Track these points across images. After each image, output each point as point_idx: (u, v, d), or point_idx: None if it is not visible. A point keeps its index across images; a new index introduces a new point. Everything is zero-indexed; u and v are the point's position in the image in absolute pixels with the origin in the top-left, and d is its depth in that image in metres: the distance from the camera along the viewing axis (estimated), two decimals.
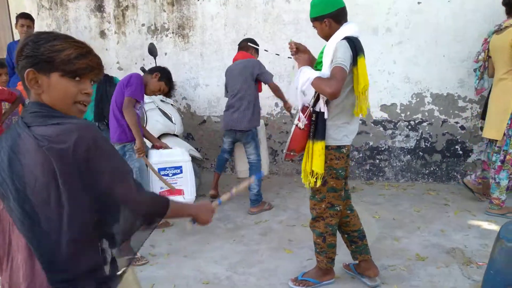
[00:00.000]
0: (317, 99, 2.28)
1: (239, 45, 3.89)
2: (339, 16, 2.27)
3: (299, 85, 2.28)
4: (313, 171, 2.31)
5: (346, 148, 2.36)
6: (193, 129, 5.00)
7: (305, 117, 2.29)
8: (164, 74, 3.21)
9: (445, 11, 4.00)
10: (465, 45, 4.01)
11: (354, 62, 2.20)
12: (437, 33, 4.06)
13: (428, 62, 4.13)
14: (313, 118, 2.30)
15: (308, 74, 2.24)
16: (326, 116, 2.26)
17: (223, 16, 4.63)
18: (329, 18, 2.24)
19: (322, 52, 2.31)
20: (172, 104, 4.31)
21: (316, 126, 2.29)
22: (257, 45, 3.84)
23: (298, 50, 2.39)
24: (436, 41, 4.07)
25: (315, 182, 2.32)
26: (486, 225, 3.32)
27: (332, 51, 2.19)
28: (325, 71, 2.20)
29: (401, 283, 2.62)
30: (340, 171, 2.37)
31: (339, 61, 2.13)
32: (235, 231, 3.42)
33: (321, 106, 2.25)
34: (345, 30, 2.25)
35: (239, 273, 2.80)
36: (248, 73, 3.57)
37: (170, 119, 4.14)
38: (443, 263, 2.79)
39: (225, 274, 2.78)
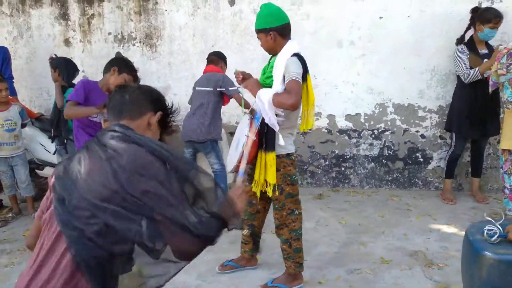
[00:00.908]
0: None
1: (207, 58, 3.91)
2: (285, 31, 2.35)
3: (266, 107, 2.27)
4: (266, 181, 2.40)
5: (294, 155, 2.53)
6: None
7: (255, 130, 2.37)
8: (121, 65, 2.92)
9: (404, 26, 4.20)
10: (423, 58, 4.22)
11: (304, 78, 2.30)
12: (397, 47, 4.25)
13: (390, 74, 4.31)
14: (264, 130, 2.39)
15: (267, 94, 2.29)
16: (277, 129, 2.34)
17: (191, 26, 4.65)
18: (275, 32, 2.31)
19: (271, 67, 2.38)
20: None
21: (267, 138, 2.39)
22: (224, 58, 3.89)
23: (244, 78, 2.45)
24: (397, 54, 4.26)
25: (273, 191, 2.41)
26: (445, 228, 3.47)
27: (283, 66, 2.26)
28: (277, 85, 2.28)
29: (367, 286, 2.70)
30: (294, 177, 2.50)
31: (293, 75, 2.22)
32: None
33: (272, 118, 2.31)
34: (293, 46, 2.34)
35: (209, 281, 2.80)
36: (211, 87, 3.61)
37: None
38: (406, 266, 2.90)
39: (195, 283, 2.77)
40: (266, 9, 2.35)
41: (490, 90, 3.43)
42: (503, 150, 3.42)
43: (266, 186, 2.41)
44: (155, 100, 1.48)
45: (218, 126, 3.75)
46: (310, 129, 2.57)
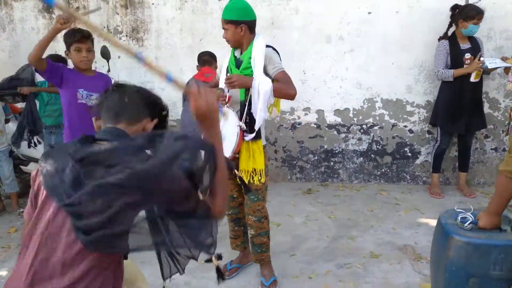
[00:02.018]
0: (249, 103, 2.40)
1: (201, 58, 3.84)
2: (254, 26, 2.43)
3: (262, 98, 2.29)
4: (255, 169, 2.45)
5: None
6: None
7: (244, 119, 2.42)
8: (68, 40, 2.89)
9: (393, 22, 4.21)
10: (412, 53, 4.24)
11: None
12: (386, 42, 4.26)
13: (378, 69, 4.32)
14: (247, 120, 2.43)
15: (267, 85, 2.30)
16: (267, 117, 2.44)
17: (178, 20, 4.59)
18: (245, 25, 2.37)
19: (248, 58, 2.38)
20: None
21: (251, 127, 2.42)
22: (215, 58, 3.84)
23: (231, 83, 2.33)
24: (385, 49, 4.27)
25: (259, 179, 2.46)
26: (433, 222, 3.46)
27: (262, 57, 2.34)
28: (259, 75, 2.33)
29: (357, 280, 2.71)
30: (268, 167, 2.58)
31: (280, 66, 2.37)
32: None
33: (263, 109, 2.35)
34: (262, 39, 2.43)
35: (198, 277, 2.77)
36: None
37: None
38: (395, 260, 2.92)
39: (184, 279, 2.74)
40: (239, 2, 2.40)
41: (509, 86, 3.54)
42: None
43: (254, 175, 2.45)
44: (153, 106, 1.44)
45: None
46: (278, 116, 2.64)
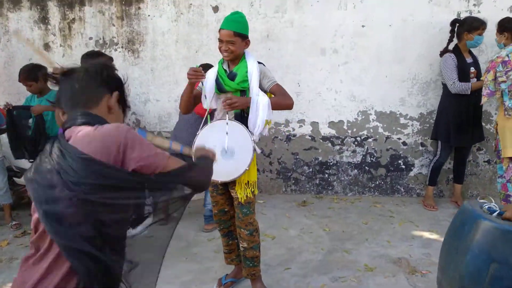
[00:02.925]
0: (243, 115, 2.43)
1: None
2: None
3: (260, 112, 2.36)
4: (248, 181, 2.45)
5: None
6: None
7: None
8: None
9: (386, 35, 4.26)
10: (405, 66, 4.29)
11: None
12: (379, 55, 4.31)
13: (372, 82, 4.36)
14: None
15: (264, 99, 2.37)
16: (266, 132, 2.50)
17: (174, 32, 4.61)
18: (249, 40, 2.43)
19: (244, 71, 2.40)
20: None
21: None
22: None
23: (232, 104, 2.33)
24: (379, 62, 4.32)
25: (252, 191, 2.47)
26: (428, 235, 3.51)
27: (257, 73, 2.39)
28: (256, 89, 2.38)
29: None
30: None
31: (274, 79, 2.46)
32: (188, 249, 3.36)
33: (262, 123, 2.40)
34: (252, 55, 2.49)
35: None
36: None
37: None
38: (390, 273, 2.92)
39: None
40: (242, 16, 2.42)
41: (484, 100, 3.51)
42: (503, 158, 3.44)
43: (248, 187, 2.45)
44: (107, 80, 1.36)
45: None
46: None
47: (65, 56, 4.87)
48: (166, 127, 4.80)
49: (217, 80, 2.48)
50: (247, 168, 2.36)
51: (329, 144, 4.53)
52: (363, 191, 4.56)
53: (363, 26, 4.28)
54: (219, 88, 2.46)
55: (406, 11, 4.19)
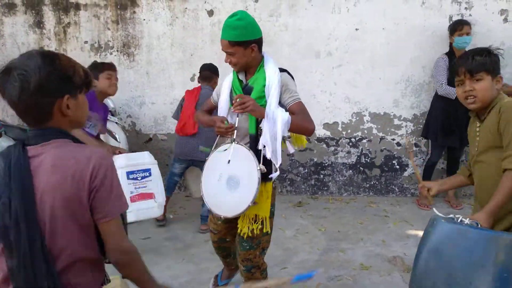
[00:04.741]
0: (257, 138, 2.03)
1: (201, 73, 3.81)
2: (262, 44, 2.06)
3: (279, 131, 1.92)
4: (257, 216, 2.06)
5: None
6: (139, 147, 4.89)
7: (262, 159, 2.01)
8: (94, 71, 2.97)
9: (380, 38, 4.32)
10: (398, 69, 4.35)
11: None
12: (373, 58, 4.37)
13: (366, 84, 4.42)
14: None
15: (283, 116, 1.93)
16: (292, 149, 2.14)
17: (169, 36, 4.65)
18: (256, 45, 1.99)
19: (262, 85, 2.00)
20: (116, 122, 4.22)
21: (265, 164, 2.01)
22: (216, 71, 3.82)
23: (244, 104, 1.89)
24: (373, 65, 4.38)
25: (261, 228, 2.08)
26: (422, 233, 3.54)
27: (277, 87, 1.97)
28: (275, 106, 1.96)
29: None
30: (273, 208, 2.16)
31: (297, 96, 2.03)
32: (185, 250, 3.37)
33: (278, 145, 1.99)
34: (273, 61, 2.08)
35: None
36: None
37: (114, 137, 4.04)
38: (385, 272, 2.95)
39: None
40: (245, 17, 1.97)
41: None
42: None
43: (254, 222, 2.07)
44: (53, 88, 1.15)
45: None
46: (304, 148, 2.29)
47: None
48: (161, 130, 4.82)
49: (230, 94, 2.11)
50: (250, 204, 1.93)
51: (324, 145, 4.57)
52: (358, 191, 4.61)
53: (356, 29, 4.34)
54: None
55: (399, 15, 4.25)
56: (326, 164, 4.61)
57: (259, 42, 2.01)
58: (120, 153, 3.22)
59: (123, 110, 4.82)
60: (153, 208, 3.16)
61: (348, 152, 4.56)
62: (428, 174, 4.16)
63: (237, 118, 2.06)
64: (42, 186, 1.12)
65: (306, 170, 4.64)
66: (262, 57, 2.08)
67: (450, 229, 1.65)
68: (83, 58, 4.82)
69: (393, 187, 4.56)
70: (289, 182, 4.68)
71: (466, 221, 1.64)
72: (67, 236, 1.15)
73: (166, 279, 2.89)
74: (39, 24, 4.86)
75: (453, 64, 1.83)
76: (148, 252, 3.28)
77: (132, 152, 4.80)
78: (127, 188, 3.16)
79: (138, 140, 4.88)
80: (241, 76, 2.11)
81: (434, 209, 1.86)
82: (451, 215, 1.72)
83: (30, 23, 4.87)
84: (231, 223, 2.18)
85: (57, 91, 1.16)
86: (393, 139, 4.48)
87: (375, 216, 3.99)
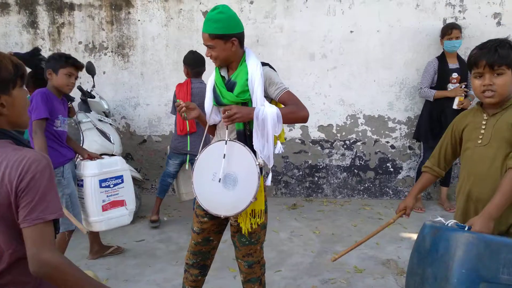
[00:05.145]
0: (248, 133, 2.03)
1: (194, 70, 3.73)
2: (243, 39, 2.04)
3: (270, 126, 1.92)
4: (254, 210, 2.05)
5: None
6: (133, 149, 4.87)
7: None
8: (56, 63, 2.74)
9: (374, 40, 4.34)
10: (392, 71, 4.37)
11: None
12: (367, 60, 4.38)
13: (360, 86, 4.43)
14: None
15: (272, 110, 1.92)
16: (280, 150, 2.06)
17: (164, 37, 4.63)
18: (237, 39, 1.97)
19: (244, 79, 1.98)
20: (110, 124, 4.20)
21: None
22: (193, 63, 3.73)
23: (231, 116, 1.87)
24: (367, 67, 4.39)
25: (256, 221, 2.06)
26: (415, 236, 3.54)
27: (261, 79, 1.96)
28: (261, 99, 1.96)
29: None
30: (267, 201, 2.16)
31: (284, 86, 2.01)
32: (178, 252, 3.36)
33: (271, 140, 1.98)
34: (256, 57, 2.06)
35: None
36: None
37: (108, 138, 4.01)
38: (379, 274, 2.95)
39: None
40: (226, 11, 1.95)
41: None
42: None
43: (253, 217, 2.05)
44: None
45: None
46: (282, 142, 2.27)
47: None
48: (156, 131, 4.81)
49: (214, 91, 2.08)
50: (252, 200, 1.92)
51: (319, 148, 4.57)
52: (352, 194, 4.61)
53: (351, 31, 4.35)
54: (217, 101, 2.06)
55: (394, 17, 4.27)
56: (320, 167, 4.61)
57: (240, 36, 1.99)
58: (93, 158, 3.05)
59: (117, 111, 4.80)
60: (124, 216, 3.09)
61: (343, 155, 4.56)
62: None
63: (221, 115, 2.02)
64: None
65: (301, 173, 4.63)
66: (244, 52, 2.06)
67: (429, 229, 1.74)
68: (77, 58, 4.78)
69: (387, 189, 4.56)
70: (283, 185, 4.67)
71: (457, 225, 1.68)
72: (3, 238, 1.14)
73: (160, 282, 2.87)
74: (32, 24, 4.83)
75: (472, 54, 1.74)
76: (141, 254, 3.27)
77: (127, 154, 4.81)
78: (100, 196, 3.08)
79: (133, 142, 4.86)
80: (223, 72, 2.09)
81: (439, 217, 1.83)
82: (440, 218, 1.76)
83: (24, 23, 4.84)
84: (218, 219, 2.11)
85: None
86: (387, 142, 4.49)
87: (369, 218, 3.99)
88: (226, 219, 2.13)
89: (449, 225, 1.68)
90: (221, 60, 2.00)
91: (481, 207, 1.70)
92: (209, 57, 2.02)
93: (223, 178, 1.97)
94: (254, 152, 1.97)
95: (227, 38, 1.94)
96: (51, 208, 1.12)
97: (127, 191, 3.22)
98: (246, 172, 1.95)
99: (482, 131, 1.76)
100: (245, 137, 2.01)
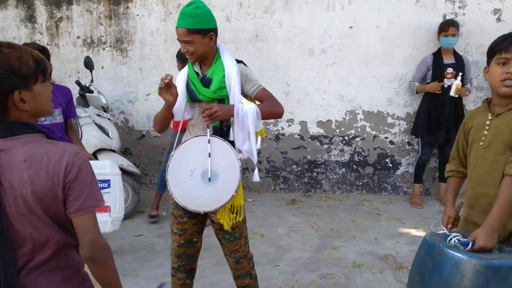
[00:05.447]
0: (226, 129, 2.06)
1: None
2: (217, 34, 2.04)
3: (250, 122, 1.97)
4: (232, 206, 2.06)
5: None
6: (131, 144, 4.87)
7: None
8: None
9: (374, 36, 4.32)
10: (392, 67, 4.36)
11: None
12: (367, 56, 4.37)
13: (360, 82, 4.42)
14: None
15: (251, 107, 1.97)
16: (259, 145, 2.10)
17: (163, 31, 4.61)
18: (214, 34, 1.98)
19: (221, 76, 2.00)
20: (109, 119, 4.19)
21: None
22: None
23: (212, 115, 1.90)
24: (366, 63, 4.38)
25: (235, 217, 2.08)
26: (414, 232, 3.57)
27: (237, 77, 1.99)
28: (238, 96, 2.00)
29: None
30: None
31: (259, 83, 2.06)
32: None
33: (252, 137, 2.03)
34: (228, 52, 2.09)
35: None
36: None
37: (107, 133, 4.00)
38: (377, 269, 2.96)
39: None
40: (203, 6, 1.97)
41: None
42: None
43: (232, 213, 2.06)
44: (12, 79, 1.12)
45: None
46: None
47: (52, 55, 4.82)
48: (153, 127, 4.79)
49: (188, 87, 2.05)
50: (234, 194, 1.95)
51: (318, 143, 4.57)
52: (351, 189, 4.61)
53: (351, 27, 4.34)
54: (192, 97, 2.03)
55: (393, 13, 4.25)
56: (319, 162, 4.61)
57: (216, 31, 2.00)
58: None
59: (116, 106, 4.79)
60: (106, 223, 2.81)
61: (342, 150, 4.56)
62: (419, 172, 4.19)
63: (196, 111, 2.04)
64: (12, 181, 1.10)
65: (299, 168, 4.63)
66: (217, 49, 2.06)
67: (431, 247, 1.65)
68: (75, 53, 4.78)
69: (385, 185, 4.57)
70: (282, 180, 4.67)
71: (462, 238, 1.61)
72: (45, 229, 1.16)
73: (158, 276, 2.87)
74: (30, 18, 4.81)
75: (500, 41, 1.65)
76: (140, 249, 3.27)
77: (126, 149, 4.81)
78: None
79: (131, 137, 4.85)
80: (196, 69, 2.06)
81: (442, 227, 1.78)
82: (443, 230, 1.71)
83: (22, 17, 4.81)
84: (197, 218, 2.11)
85: (3, 88, 1.11)
86: (386, 138, 4.49)
87: (367, 214, 4.00)
88: (205, 216, 2.14)
89: (451, 241, 1.61)
90: (198, 55, 1.98)
91: (480, 211, 1.66)
92: (184, 53, 1.99)
93: (202, 174, 1.96)
94: (233, 146, 2.01)
95: (205, 32, 1.93)
96: (99, 195, 1.20)
97: (113, 198, 2.98)
98: (228, 167, 1.96)
99: (485, 132, 1.68)
100: (222, 133, 2.02)
